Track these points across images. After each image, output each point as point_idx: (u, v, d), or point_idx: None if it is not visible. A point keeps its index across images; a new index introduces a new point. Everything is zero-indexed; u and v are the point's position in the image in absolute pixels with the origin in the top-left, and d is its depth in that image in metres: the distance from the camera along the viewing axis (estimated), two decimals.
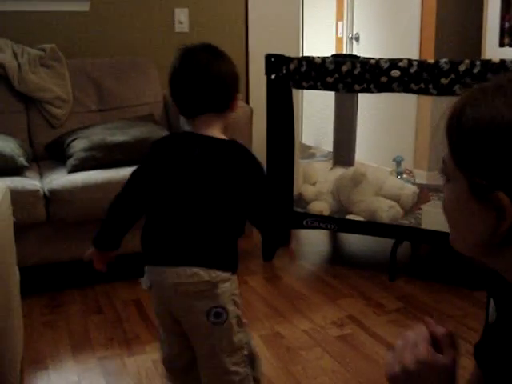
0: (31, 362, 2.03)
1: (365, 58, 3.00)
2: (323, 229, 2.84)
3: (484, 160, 0.66)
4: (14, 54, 2.94)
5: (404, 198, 2.90)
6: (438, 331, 0.77)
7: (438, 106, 3.67)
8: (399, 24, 4.31)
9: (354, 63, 2.56)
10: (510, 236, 0.67)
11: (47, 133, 2.93)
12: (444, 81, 2.39)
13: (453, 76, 2.36)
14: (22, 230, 2.12)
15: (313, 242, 3.24)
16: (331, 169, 3.40)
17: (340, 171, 3.11)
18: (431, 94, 2.45)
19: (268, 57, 2.74)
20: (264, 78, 2.77)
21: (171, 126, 3.12)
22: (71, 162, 2.61)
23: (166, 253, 1.40)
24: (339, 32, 5.24)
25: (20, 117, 2.92)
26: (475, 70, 2.32)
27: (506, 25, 3.51)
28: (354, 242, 3.25)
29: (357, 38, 4.80)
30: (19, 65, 2.90)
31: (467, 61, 2.34)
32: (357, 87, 2.57)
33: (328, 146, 4.11)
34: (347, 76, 2.57)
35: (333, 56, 3.24)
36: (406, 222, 2.79)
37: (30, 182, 2.44)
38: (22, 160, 2.53)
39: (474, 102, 0.69)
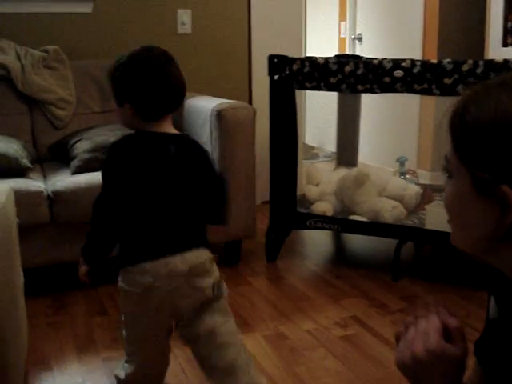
0: (35, 363, 2.03)
1: (368, 58, 3.00)
2: (326, 229, 2.85)
3: (488, 154, 0.67)
4: (18, 56, 2.95)
5: (407, 199, 2.89)
6: (450, 322, 0.77)
7: (442, 106, 3.66)
8: (402, 24, 4.30)
9: (357, 64, 2.56)
10: None
11: (51, 134, 2.94)
12: (447, 81, 2.38)
13: (456, 76, 2.36)
14: (25, 231, 2.12)
15: (316, 243, 3.24)
16: (334, 169, 3.40)
17: (343, 172, 3.11)
18: (434, 94, 2.45)
19: (271, 57, 2.74)
20: (267, 79, 2.77)
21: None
22: (75, 163, 2.61)
23: (172, 242, 1.49)
24: (342, 32, 5.25)
25: (23, 118, 2.93)
26: (478, 70, 2.31)
27: (509, 25, 3.50)
28: (357, 242, 3.25)
29: (360, 39, 4.79)
30: (22, 66, 2.91)
31: (470, 61, 2.34)
32: (360, 88, 2.57)
33: (331, 146, 4.11)
34: (350, 76, 2.57)
35: (336, 56, 3.24)
36: (409, 223, 2.79)
37: (33, 184, 2.44)
38: (25, 161, 2.53)
39: (478, 98, 0.69)
